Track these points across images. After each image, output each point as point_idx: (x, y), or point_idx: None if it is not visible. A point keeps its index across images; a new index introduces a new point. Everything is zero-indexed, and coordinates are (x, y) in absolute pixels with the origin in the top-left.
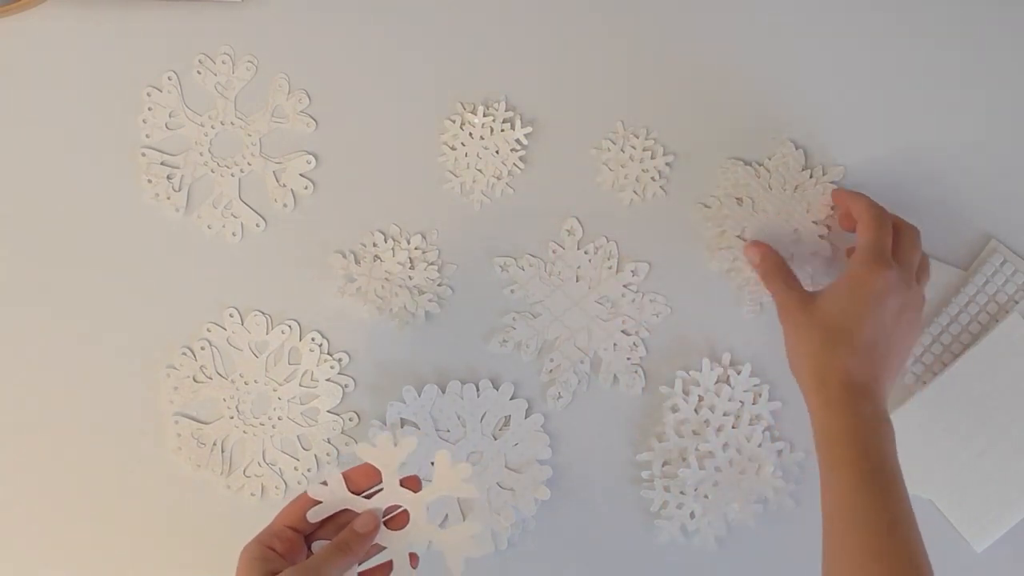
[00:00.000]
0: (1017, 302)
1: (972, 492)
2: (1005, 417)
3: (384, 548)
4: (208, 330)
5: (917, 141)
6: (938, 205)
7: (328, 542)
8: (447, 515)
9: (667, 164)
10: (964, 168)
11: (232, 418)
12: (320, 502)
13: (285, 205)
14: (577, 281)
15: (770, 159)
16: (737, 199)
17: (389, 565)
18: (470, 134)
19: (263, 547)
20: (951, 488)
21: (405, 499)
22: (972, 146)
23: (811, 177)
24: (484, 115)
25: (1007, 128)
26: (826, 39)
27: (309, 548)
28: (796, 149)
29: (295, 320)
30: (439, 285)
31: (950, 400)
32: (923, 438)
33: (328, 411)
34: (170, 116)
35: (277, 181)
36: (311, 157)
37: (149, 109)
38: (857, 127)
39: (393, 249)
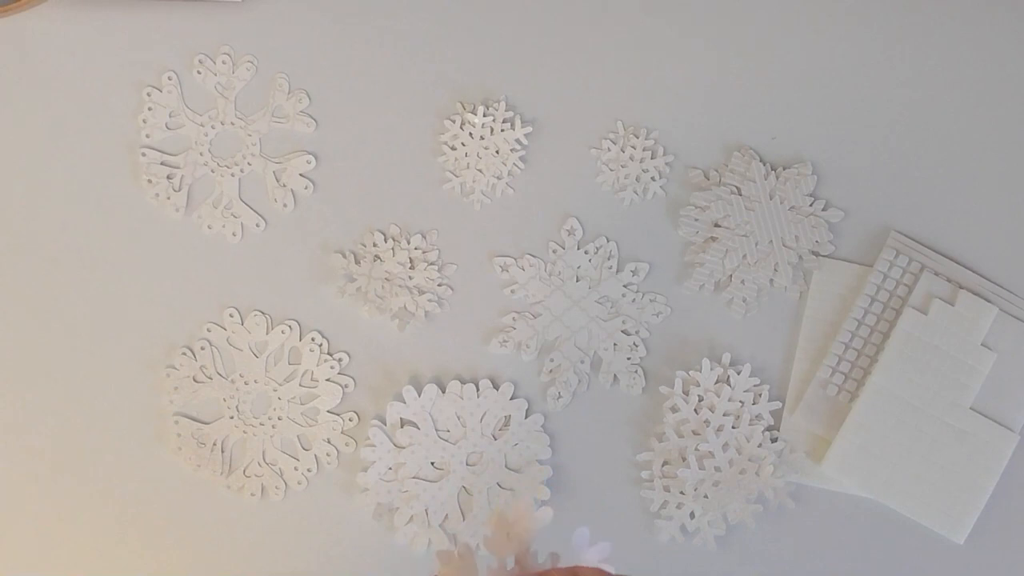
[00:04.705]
0: (911, 292)
1: (934, 489)
2: (937, 409)
3: None
4: (208, 330)
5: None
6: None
7: None
8: None
9: (667, 164)
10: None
11: (232, 418)
12: None
13: (285, 205)
14: (577, 281)
15: (785, 169)
16: (736, 187)
17: None
18: (470, 134)
19: None
20: (914, 492)
21: None
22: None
23: (811, 206)
24: (484, 115)
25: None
26: (832, 40)
27: None
28: (812, 174)
29: (295, 320)
30: (439, 285)
31: (883, 410)
32: (872, 452)
33: (328, 411)
34: (170, 116)
35: (277, 181)
36: (311, 157)
37: (149, 109)
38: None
39: (393, 249)
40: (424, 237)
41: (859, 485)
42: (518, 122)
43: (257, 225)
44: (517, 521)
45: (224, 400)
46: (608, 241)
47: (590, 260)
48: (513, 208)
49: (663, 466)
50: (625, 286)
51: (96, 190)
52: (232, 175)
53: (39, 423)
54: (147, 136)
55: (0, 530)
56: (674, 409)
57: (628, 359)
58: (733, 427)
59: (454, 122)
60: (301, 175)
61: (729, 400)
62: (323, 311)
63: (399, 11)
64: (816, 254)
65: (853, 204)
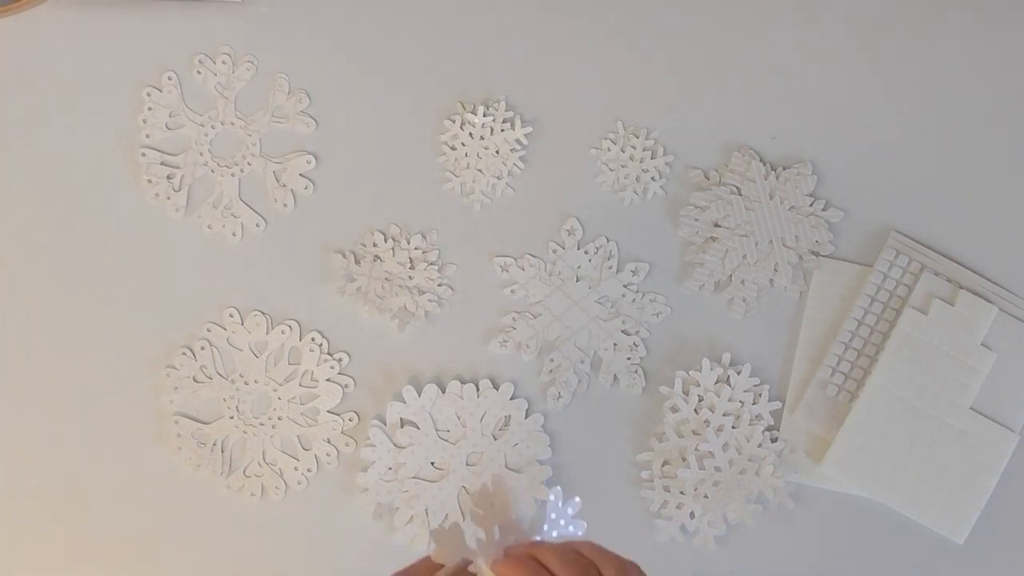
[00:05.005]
0: (911, 292)
1: (934, 489)
2: (937, 409)
3: None
4: (208, 330)
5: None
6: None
7: None
8: None
9: (667, 164)
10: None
11: (232, 418)
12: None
13: (285, 205)
14: (577, 281)
15: (785, 169)
16: (736, 187)
17: None
18: (470, 134)
19: None
20: (914, 492)
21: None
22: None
23: (811, 206)
24: (484, 115)
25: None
26: (832, 40)
27: None
28: (812, 174)
29: (295, 320)
30: (439, 285)
31: (883, 410)
32: (872, 452)
33: (328, 411)
34: (170, 116)
35: (277, 181)
36: (311, 157)
37: (149, 109)
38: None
39: (393, 249)
40: (424, 237)
41: (859, 485)
42: (518, 122)
43: (257, 225)
44: (497, 493)
45: (224, 400)
46: (608, 241)
47: (590, 260)
48: (513, 208)
49: (663, 466)
50: (625, 286)
51: (96, 190)
52: (232, 175)
53: (39, 423)
54: (147, 136)
55: (0, 530)
56: (674, 409)
57: (628, 359)
58: (733, 427)
59: (454, 122)
60: (301, 175)
61: (729, 400)
62: (323, 311)
63: (399, 11)
64: (816, 254)
65: (853, 204)
